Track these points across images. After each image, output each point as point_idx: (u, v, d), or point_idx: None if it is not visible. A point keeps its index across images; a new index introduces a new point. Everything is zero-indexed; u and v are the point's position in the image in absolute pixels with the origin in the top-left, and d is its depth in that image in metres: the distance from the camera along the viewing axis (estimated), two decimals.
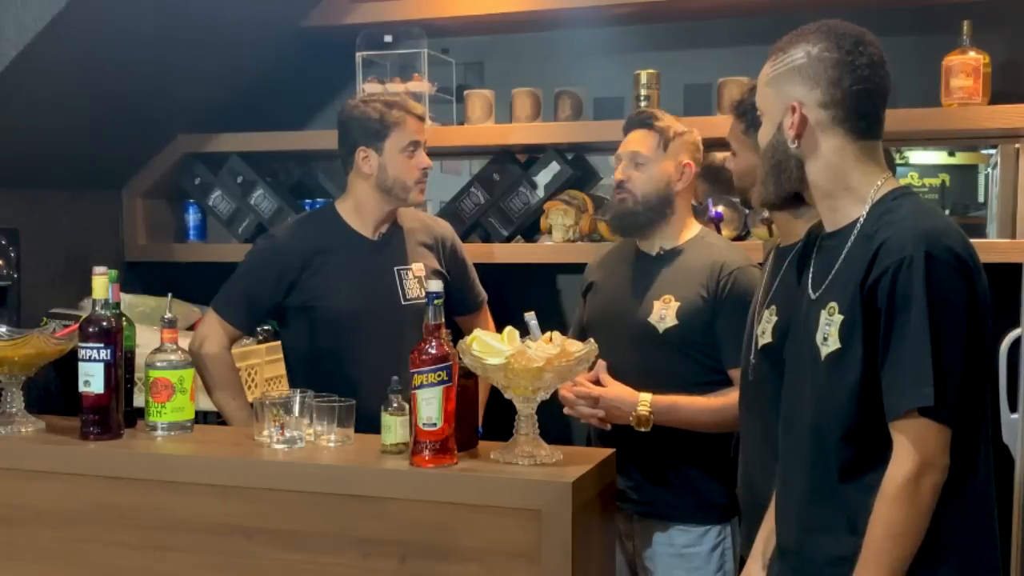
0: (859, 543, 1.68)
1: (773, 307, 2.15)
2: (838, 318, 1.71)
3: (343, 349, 2.71)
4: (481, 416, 2.81)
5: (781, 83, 1.79)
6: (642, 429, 2.44)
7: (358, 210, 2.79)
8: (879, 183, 1.76)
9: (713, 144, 2.76)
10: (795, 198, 1.86)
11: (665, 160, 2.58)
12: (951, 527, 1.67)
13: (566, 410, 2.48)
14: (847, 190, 1.77)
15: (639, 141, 2.61)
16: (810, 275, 1.84)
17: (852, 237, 1.74)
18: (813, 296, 1.80)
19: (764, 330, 2.15)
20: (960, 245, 1.67)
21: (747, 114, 2.26)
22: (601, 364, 2.46)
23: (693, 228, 2.64)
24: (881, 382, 1.66)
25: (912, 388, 1.62)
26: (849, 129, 1.75)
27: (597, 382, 2.47)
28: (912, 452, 1.62)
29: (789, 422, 1.86)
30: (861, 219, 1.74)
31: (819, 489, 1.76)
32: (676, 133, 2.60)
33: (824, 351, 1.73)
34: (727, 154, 2.45)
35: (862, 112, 1.76)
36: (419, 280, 2.77)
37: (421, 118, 2.79)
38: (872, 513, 1.66)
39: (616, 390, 2.46)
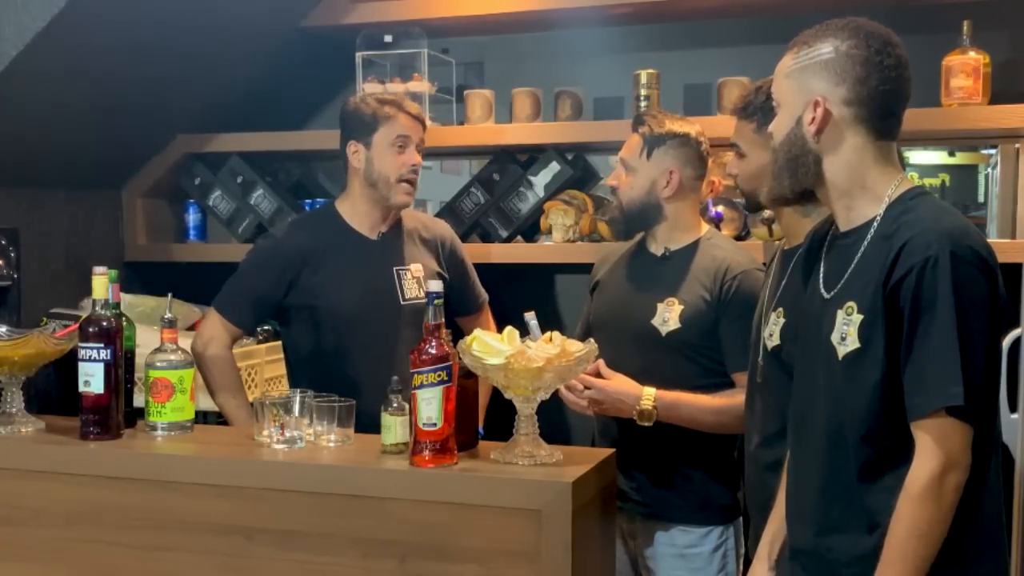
0: (877, 542, 1.68)
1: (780, 309, 2.14)
2: (857, 318, 1.70)
3: (341, 348, 2.71)
4: (483, 417, 2.81)
5: (804, 76, 1.77)
6: (644, 424, 2.44)
7: (354, 208, 2.80)
8: (896, 183, 1.76)
9: (712, 144, 2.75)
10: (805, 195, 1.85)
11: (648, 166, 2.55)
12: (967, 526, 1.67)
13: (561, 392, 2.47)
14: (864, 189, 1.76)
15: (627, 145, 2.60)
16: (821, 275, 1.83)
17: (869, 236, 1.74)
18: (827, 296, 1.79)
19: (772, 332, 2.14)
20: (981, 245, 1.68)
21: (756, 114, 2.24)
22: (600, 362, 2.46)
23: (700, 230, 2.62)
24: (903, 381, 1.66)
25: (939, 387, 1.62)
26: (871, 128, 1.75)
27: (598, 376, 2.47)
28: (937, 451, 1.62)
29: (801, 422, 1.85)
30: (878, 218, 1.74)
31: (836, 489, 1.76)
32: (663, 138, 2.54)
33: (842, 351, 1.72)
34: (731, 156, 2.42)
35: (885, 112, 1.75)
36: (418, 280, 2.78)
37: (417, 117, 2.78)
38: (895, 512, 1.66)
39: (620, 383, 2.46)
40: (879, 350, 1.68)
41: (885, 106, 1.75)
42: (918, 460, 1.64)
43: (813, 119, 1.75)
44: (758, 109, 2.24)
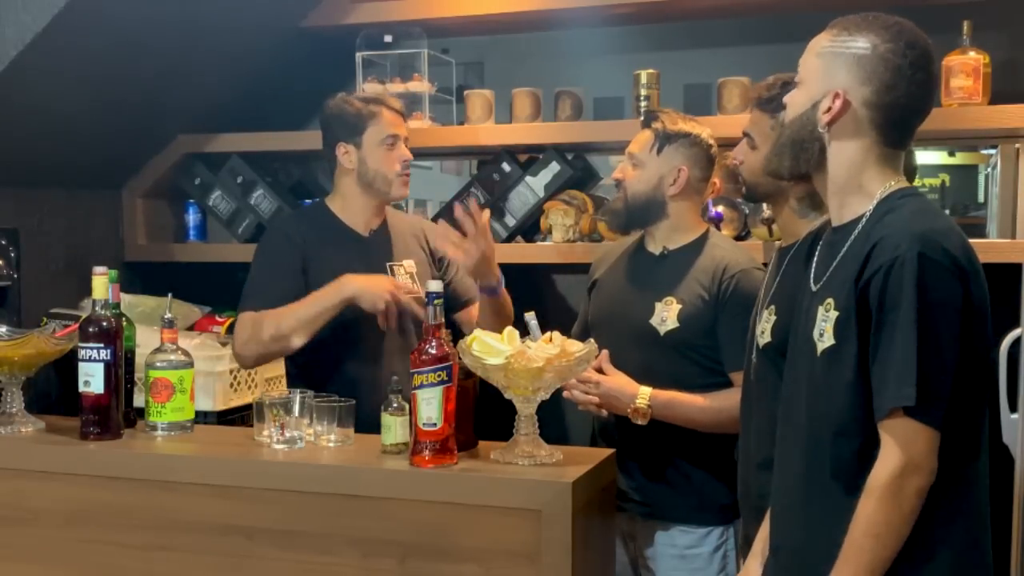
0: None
1: (773, 307, 2.15)
2: (833, 314, 1.70)
3: (335, 343, 2.70)
4: None
5: (834, 63, 1.74)
6: (639, 422, 2.45)
7: (347, 207, 2.80)
8: (890, 184, 1.75)
9: None
10: (802, 177, 1.84)
11: (657, 162, 2.55)
12: (943, 536, 1.66)
13: (565, 393, 2.48)
14: (859, 187, 1.76)
15: (637, 140, 2.60)
16: (812, 270, 1.84)
17: (854, 233, 1.74)
18: (813, 289, 1.80)
19: (764, 330, 2.16)
20: (957, 247, 1.66)
21: (778, 110, 2.20)
22: (604, 354, 2.47)
23: (699, 229, 2.62)
24: (871, 381, 1.66)
25: (894, 387, 1.61)
26: (882, 134, 1.74)
27: (600, 371, 2.47)
28: (897, 452, 1.62)
29: (786, 417, 1.86)
30: (865, 217, 1.74)
31: (812, 486, 1.76)
32: (675, 136, 2.55)
33: (820, 347, 1.73)
34: (733, 155, 2.41)
35: (900, 123, 1.74)
36: (411, 276, 2.78)
37: (400, 112, 2.79)
38: (856, 511, 1.65)
39: (617, 380, 2.47)
40: (852, 348, 1.67)
41: (903, 118, 1.74)
42: (880, 460, 1.64)
43: (829, 109, 1.73)
44: (781, 105, 2.22)
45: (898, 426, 1.62)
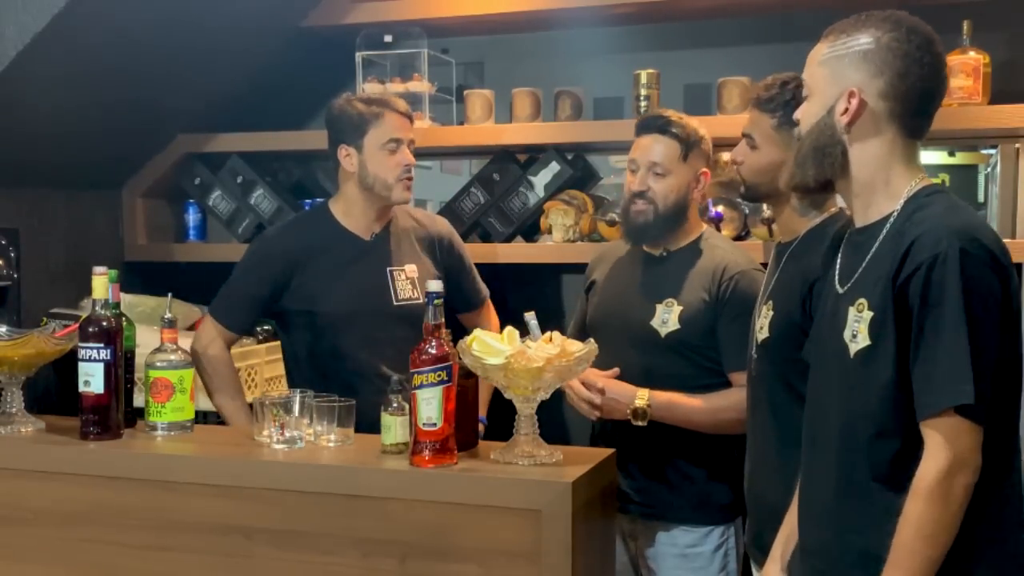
0: (889, 542, 1.65)
1: (770, 302, 2.15)
2: (868, 315, 1.68)
3: (335, 350, 2.71)
4: (485, 409, 2.81)
5: (841, 65, 1.73)
6: (639, 423, 2.45)
7: (349, 210, 2.80)
8: (915, 181, 1.74)
9: (712, 144, 2.75)
10: (827, 185, 1.82)
11: (684, 169, 2.54)
12: (986, 529, 1.65)
13: (564, 386, 2.48)
14: (886, 185, 1.74)
15: (659, 151, 2.53)
16: (837, 270, 1.82)
17: (883, 233, 1.72)
18: (840, 291, 1.78)
19: (762, 326, 2.16)
20: (993, 242, 1.65)
21: (779, 110, 2.21)
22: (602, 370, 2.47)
23: (698, 229, 2.62)
24: (912, 380, 1.64)
25: (950, 386, 1.59)
26: (902, 125, 1.73)
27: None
28: (946, 450, 1.60)
29: (816, 420, 1.84)
30: (894, 215, 1.72)
31: (849, 487, 1.73)
32: (695, 141, 2.54)
33: (853, 348, 1.71)
34: (729, 156, 2.41)
35: (918, 111, 1.73)
36: (411, 281, 2.77)
37: (405, 115, 2.77)
38: (902, 512, 1.63)
39: (614, 384, 2.47)
40: (890, 347, 1.65)
41: (920, 104, 1.73)
42: (926, 459, 1.62)
43: (846, 110, 1.72)
44: (781, 106, 2.20)
45: (946, 424, 1.60)
